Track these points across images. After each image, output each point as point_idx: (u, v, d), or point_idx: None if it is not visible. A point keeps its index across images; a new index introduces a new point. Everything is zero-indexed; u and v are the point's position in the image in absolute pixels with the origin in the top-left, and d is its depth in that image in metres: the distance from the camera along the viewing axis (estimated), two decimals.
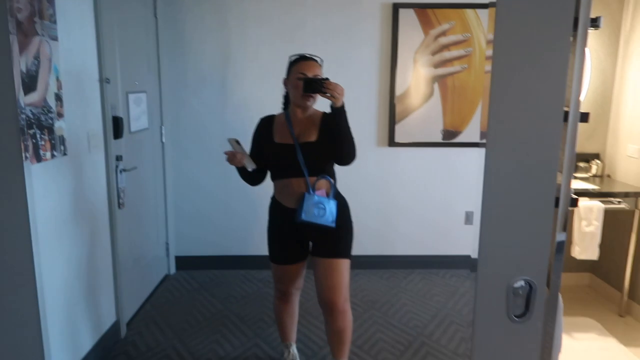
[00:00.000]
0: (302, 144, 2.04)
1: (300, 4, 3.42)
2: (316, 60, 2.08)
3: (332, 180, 2.12)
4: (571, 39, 0.94)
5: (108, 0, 2.54)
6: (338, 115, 1.96)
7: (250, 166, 2.10)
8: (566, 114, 1.00)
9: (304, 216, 2.01)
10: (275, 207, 2.18)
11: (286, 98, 2.18)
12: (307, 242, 2.20)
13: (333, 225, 2.07)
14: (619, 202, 2.94)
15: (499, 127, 0.97)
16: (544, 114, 0.97)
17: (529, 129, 0.97)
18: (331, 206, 2.06)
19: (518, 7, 0.91)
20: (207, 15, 3.42)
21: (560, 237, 1.06)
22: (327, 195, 2.09)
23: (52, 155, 2.03)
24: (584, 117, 1.05)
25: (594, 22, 1.05)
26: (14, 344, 1.07)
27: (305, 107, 2.09)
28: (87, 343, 2.41)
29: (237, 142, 2.09)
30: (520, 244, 0.98)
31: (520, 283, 1.00)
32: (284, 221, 2.14)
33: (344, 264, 2.13)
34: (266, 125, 2.17)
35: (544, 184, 0.98)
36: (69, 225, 2.21)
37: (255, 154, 2.17)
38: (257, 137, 2.19)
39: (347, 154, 2.04)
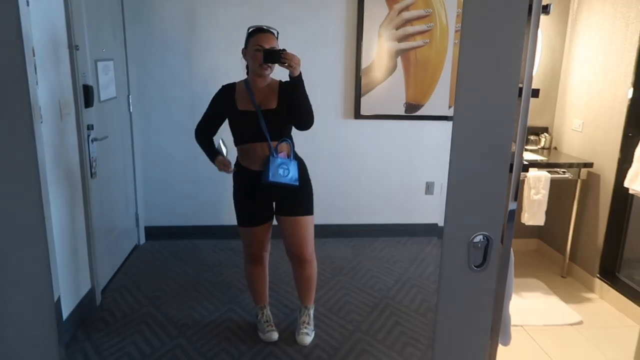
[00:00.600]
0: (263, 111, 2.23)
1: None
2: (272, 33, 2.23)
3: (291, 143, 2.32)
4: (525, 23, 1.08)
5: None
6: (296, 83, 2.16)
7: (225, 151, 2.32)
8: (520, 89, 1.15)
9: (271, 177, 2.21)
10: (240, 171, 2.35)
11: (248, 67, 2.32)
12: (271, 203, 2.39)
13: (297, 183, 2.29)
14: (564, 172, 3.20)
15: (464, 102, 1.11)
16: (503, 90, 1.12)
17: (489, 104, 1.12)
18: (293, 166, 2.28)
19: None
20: None
21: (513, 200, 1.23)
22: (288, 156, 2.30)
23: None
24: (535, 93, 1.21)
25: (545, 9, 1.20)
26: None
27: (264, 76, 2.26)
28: (64, 309, 2.46)
29: (223, 141, 2.33)
30: (479, 203, 1.13)
31: (479, 238, 1.15)
32: (250, 184, 2.32)
33: (309, 220, 2.40)
34: (228, 93, 2.31)
35: (500, 152, 1.13)
36: (50, 191, 2.23)
37: (212, 117, 2.36)
38: (218, 103, 2.34)
39: (305, 120, 2.24)
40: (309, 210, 2.40)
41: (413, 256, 3.57)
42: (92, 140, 2.68)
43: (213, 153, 2.37)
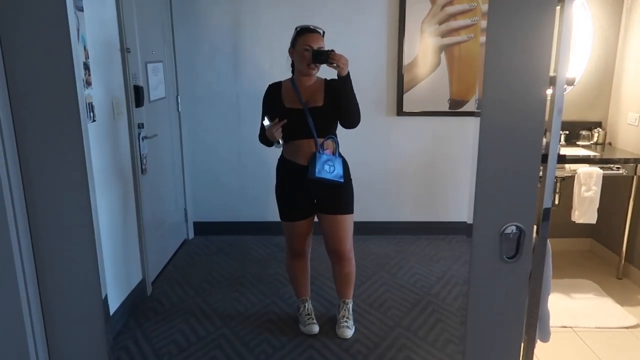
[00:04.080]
0: (310, 109, 2.28)
1: None
2: (319, 32, 2.28)
3: (337, 141, 2.35)
4: (558, 8, 1.05)
5: None
6: (344, 83, 2.21)
7: (281, 141, 2.34)
8: (553, 78, 1.12)
9: (317, 173, 2.25)
10: (285, 165, 2.40)
11: (293, 66, 2.37)
12: (313, 199, 2.41)
13: (342, 180, 2.31)
14: (618, 168, 3.05)
15: (492, 90, 1.09)
16: (530, 78, 1.09)
17: (516, 92, 1.09)
18: (339, 163, 2.32)
19: None
20: None
21: (549, 191, 1.20)
22: (333, 154, 2.34)
23: None
24: (570, 81, 1.18)
25: None
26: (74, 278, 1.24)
27: (310, 75, 2.31)
28: (117, 298, 2.61)
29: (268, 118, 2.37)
30: (510, 194, 1.12)
31: (511, 228, 1.14)
32: (294, 178, 2.36)
33: (349, 219, 2.42)
34: (274, 91, 2.37)
35: (530, 141, 1.11)
36: (101, 187, 2.38)
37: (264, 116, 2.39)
38: (267, 102, 2.40)
39: (353, 118, 2.29)
40: (349, 209, 2.43)
41: (458, 254, 3.51)
42: (142, 138, 2.82)
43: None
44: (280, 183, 2.45)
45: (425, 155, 3.79)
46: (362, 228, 3.88)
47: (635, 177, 3.09)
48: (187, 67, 3.62)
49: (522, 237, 1.13)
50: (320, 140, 2.30)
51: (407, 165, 3.81)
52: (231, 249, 3.62)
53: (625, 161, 3.09)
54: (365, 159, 3.77)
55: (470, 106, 3.69)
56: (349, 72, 2.21)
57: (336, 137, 2.37)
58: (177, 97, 3.56)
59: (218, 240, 3.77)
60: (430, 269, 3.26)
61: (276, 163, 2.48)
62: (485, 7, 1.09)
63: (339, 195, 2.39)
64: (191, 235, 3.83)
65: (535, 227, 1.17)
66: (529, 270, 1.18)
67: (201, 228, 3.88)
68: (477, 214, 1.12)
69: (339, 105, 2.27)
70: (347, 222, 2.42)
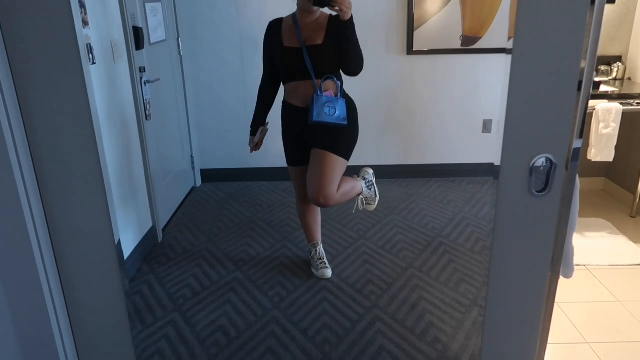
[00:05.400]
0: (308, 47, 2.14)
1: None
2: None
3: (338, 82, 2.20)
4: None
5: None
6: (346, 28, 2.06)
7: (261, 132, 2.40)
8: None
9: (315, 117, 2.14)
10: (286, 108, 2.32)
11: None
12: (312, 138, 2.31)
13: (345, 122, 2.19)
14: (638, 104, 2.94)
15: (529, 10, 1.00)
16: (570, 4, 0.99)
17: (555, 11, 1.00)
18: (341, 105, 2.18)
19: None
20: None
21: (580, 122, 1.12)
22: (335, 95, 2.20)
23: None
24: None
25: None
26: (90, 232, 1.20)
27: (310, 12, 2.15)
28: (129, 245, 2.60)
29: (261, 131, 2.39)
30: (543, 123, 1.04)
31: (541, 161, 1.07)
32: (295, 122, 2.28)
33: (338, 161, 2.22)
34: (275, 28, 2.24)
35: (568, 67, 1.03)
36: (106, 132, 2.31)
37: (267, 58, 2.29)
38: (267, 42, 2.27)
39: (355, 65, 2.14)
40: (340, 151, 2.23)
41: (469, 196, 3.47)
42: (145, 83, 2.72)
43: (258, 122, 2.40)
44: (285, 127, 2.38)
45: (436, 95, 3.68)
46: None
47: None
48: (188, 7, 3.46)
49: (552, 170, 1.07)
50: (318, 82, 2.16)
51: (417, 106, 3.71)
52: (239, 196, 3.59)
53: None
54: (373, 100, 3.66)
55: (484, 43, 3.53)
56: (352, 17, 2.04)
57: (339, 78, 2.23)
58: (177, 40, 3.42)
59: (226, 187, 3.74)
60: (441, 211, 3.24)
61: (280, 107, 2.39)
62: None
63: (336, 135, 2.23)
64: (199, 182, 3.80)
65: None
66: (558, 205, 1.13)
67: (208, 175, 3.84)
68: (507, 143, 1.06)
69: (340, 49, 2.12)
70: (337, 164, 2.22)
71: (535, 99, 1.04)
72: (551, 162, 1.06)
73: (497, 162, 1.11)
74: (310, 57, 2.13)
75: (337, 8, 2.00)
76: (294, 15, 2.21)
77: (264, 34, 2.29)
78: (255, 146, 2.43)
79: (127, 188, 2.58)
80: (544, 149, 1.05)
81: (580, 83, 1.07)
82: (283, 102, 2.35)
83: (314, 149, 2.27)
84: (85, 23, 2.09)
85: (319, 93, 2.16)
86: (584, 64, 1.08)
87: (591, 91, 1.12)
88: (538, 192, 1.09)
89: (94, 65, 2.18)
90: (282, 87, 2.35)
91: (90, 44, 2.13)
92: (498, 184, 1.09)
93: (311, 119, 2.15)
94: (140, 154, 2.75)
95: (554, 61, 1.02)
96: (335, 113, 2.16)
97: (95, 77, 2.22)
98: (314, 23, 2.17)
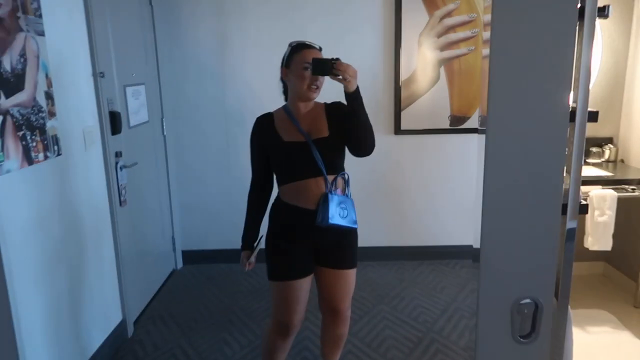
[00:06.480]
0: (315, 141, 1.84)
1: None
2: (317, 49, 1.87)
3: (347, 177, 1.94)
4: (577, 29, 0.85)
5: None
6: (354, 100, 1.77)
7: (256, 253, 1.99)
8: (573, 112, 0.92)
9: (330, 219, 1.81)
10: (287, 211, 1.90)
11: (286, 92, 1.96)
12: (316, 249, 1.96)
13: (356, 226, 1.92)
14: (633, 189, 2.83)
15: (499, 129, 0.89)
16: (548, 114, 0.88)
17: (532, 130, 0.89)
18: (351, 205, 1.90)
19: None
20: (205, 1, 3.33)
21: (570, 246, 0.99)
22: (343, 193, 1.92)
23: (45, 157, 1.98)
24: (593, 116, 0.97)
25: (602, 12, 0.96)
26: None
27: (310, 99, 1.88)
28: (93, 344, 2.40)
29: (256, 246, 2.00)
30: (523, 261, 0.90)
31: (526, 300, 0.93)
32: (299, 225, 1.90)
33: (354, 274, 2.02)
34: (266, 124, 1.91)
35: (549, 191, 0.90)
36: (68, 225, 2.18)
37: (259, 159, 1.95)
38: (258, 139, 1.93)
39: (367, 144, 1.84)
40: (355, 262, 2.02)
41: (463, 282, 3.29)
42: (120, 168, 2.63)
43: (251, 235, 2.01)
44: (278, 233, 1.93)
45: (426, 175, 3.59)
46: (360, 254, 3.64)
47: None
48: (173, 89, 3.44)
49: (538, 311, 0.92)
50: (330, 178, 1.86)
51: (407, 186, 3.60)
52: (221, 279, 3.41)
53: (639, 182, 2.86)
54: (362, 180, 3.56)
55: (473, 122, 3.48)
56: (358, 87, 1.76)
57: (347, 174, 1.95)
58: (162, 120, 3.37)
59: (208, 269, 3.56)
60: (434, 301, 3.04)
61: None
62: (487, 18, 0.89)
63: (346, 245, 1.97)
64: (180, 264, 3.63)
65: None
66: (548, 350, 0.97)
67: (191, 257, 3.67)
68: (484, 284, 0.91)
69: (348, 131, 1.84)
70: (352, 278, 2.01)
71: (513, 229, 0.91)
72: (536, 303, 0.92)
73: (476, 245, 0.96)
74: (319, 151, 1.84)
75: (340, 77, 1.72)
76: (285, 107, 1.93)
77: (249, 112, 2.06)
78: (250, 264, 1.99)
79: (94, 280, 2.41)
80: (527, 290, 0.91)
81: (565, 206, 0.95)
82: (277, 204, 1.96)
83: (325, 268, 1.97)
84: (51, 114, 2.01)
85: (332, 192, 1.85)
86: (567, 184, 0.96)
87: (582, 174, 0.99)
88: (523, 337, 0.93)
89: (59, 157, 2.08)
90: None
91: (56, 135, 2.04)
92: (476, 329, 0.93)
93: (325, 221, 1.81)
94: (112, 242, 2.60)
95: (531, 185, 0.90)
96: (347, 215, 1.87)
97: (60, 167, 2.11)
98: (312, 113, 1.90)
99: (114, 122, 2.58)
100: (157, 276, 3.30)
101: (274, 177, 1.97)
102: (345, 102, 1.82)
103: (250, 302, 3.07)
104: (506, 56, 0.85)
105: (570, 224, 0.98)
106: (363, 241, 3.68)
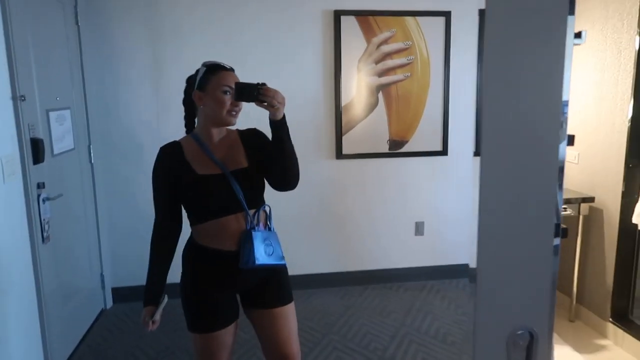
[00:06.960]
0: (233, 172, 1.66)
1: (238, 11, 3.24)
2: (233, 71, 1.70)
3: (268, 211, 1.74)
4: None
5: (18, 7, 2.24)
6: (280, 128, 1.60)
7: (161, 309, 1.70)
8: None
9: (258, 260, 1.61)
10: (203, 255, 1.68)
11: (189, 118, 1.77)
12: (240, 294, 1.78)
13: (284, 262, 1.71)
14: (565, 209, 2.98)
15: (490, 154, 0.86)
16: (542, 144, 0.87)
17: (520, 156, 0.87)
18: (276, 240, 1.71)
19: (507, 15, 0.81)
20: (137, 21, 3.16)
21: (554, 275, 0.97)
22: (266, 227, 1.72)
23: None
24: (570, 140, 0.97)
25: (578, 36, 0.97)
26: None
27: (230, 125, 1.69)
28: None
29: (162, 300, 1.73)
30: (520, 289, 0.87)
31: (520, 333, 0.89)
32: (219, 270, 1.67)
33: (293, 309, 1.80)
34: (174, 156, 1.67)
35: (542, 219, 0.88)
36: None
37: (166, 195, 1.69)
38: (165, 173, 1.68)
39: (292, 175, 1.69)
40: (291, 296, 1.80)
41: (408, 305, 3.28)
42: (43, 200, 2.37)
43: (156, 288, 1.71)
44: (195, 280, 1.69)
45: (367, 199, 3.59)
46: (304, 281, 3.58)
47: (580, 216, 3.04)
48: (102, 114, 3.20)
49: (533, 342, 0.89)
50: (252, 212, 1.67)
51: (349, 210, 3.58)
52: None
53: (568, 201, 3.03)
54: (303, 206, 3.49)
55: (411, 146, 3.55)
56: (284, 115, 1.59)
57: (268, 206, 1.75)
58: (89, 147, 3.12)
59: (141, 307, 3.28)
60: (382, 326, 2.99)
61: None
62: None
63: (276, 281, 1.75)
64: (109, 303, 3.32)
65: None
66: None
67: (121, 294, 3.38)
68: (479, 315, 0.87)
69: (271, 161, 1.67)
70: (292, 314, 1.79)
71: (507, 260, 0.87)
72: (532, 334, 0.88)
73: (472, 264, 0.91)
74: (238, 184, 1.65)
75: (266, 103, 1.54)
76: (194, 135, 1.71)
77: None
78: (153, 323, 1.68)
79: (8, 331, 2.12)
80: (523, 321, 0.87)
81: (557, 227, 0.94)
82: (191, 247, 1.72)
83: (259, 310, 1.75)
84: None
85: (255, 228, 1.66)
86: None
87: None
88: None
89: None
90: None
91: None
92: None
93: (251, 262, 1.61)
94: (33, 282, 2.32)
95: (527, 215, 0.87)
96: (273, 252, 1.67)
97: None
98: (226, 141, 1.71)
99: (36, 150, 2.34)
100: (84, 318, 2.99)
101: (183, 215, 1.74)
102: (261, 130, 1.68)
103: (190, 341, 2.85)
104: (498, 84, 0.82)
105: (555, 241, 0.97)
106: (307, 268, 3.62)
